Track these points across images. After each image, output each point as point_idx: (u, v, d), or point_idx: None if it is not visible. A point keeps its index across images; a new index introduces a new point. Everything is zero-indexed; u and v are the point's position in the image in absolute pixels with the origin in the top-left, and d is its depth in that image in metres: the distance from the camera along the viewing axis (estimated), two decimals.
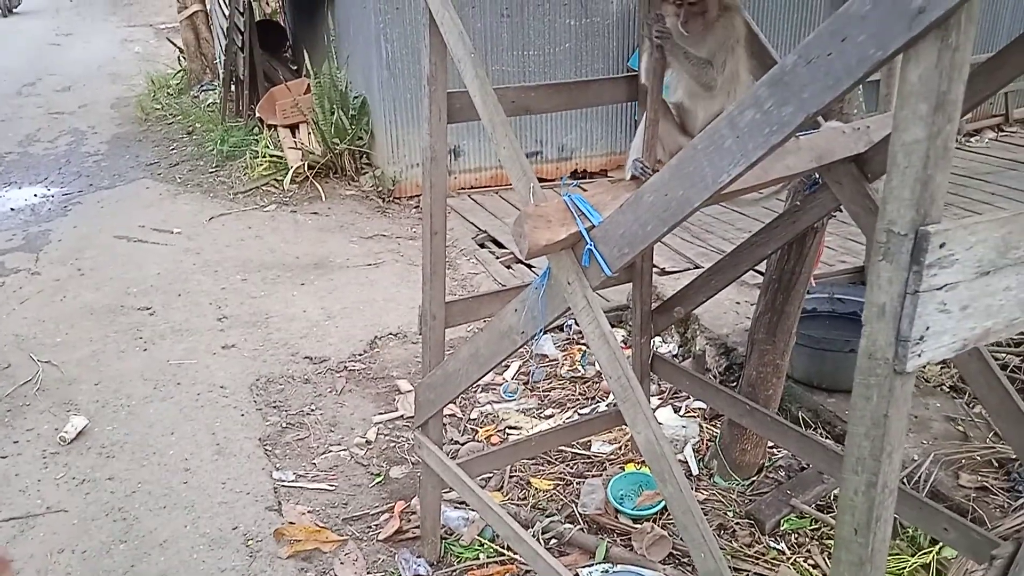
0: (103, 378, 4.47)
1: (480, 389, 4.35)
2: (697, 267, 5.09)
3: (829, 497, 3.33)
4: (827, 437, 3.54)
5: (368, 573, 3.16)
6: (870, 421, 1.47)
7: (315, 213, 7.18)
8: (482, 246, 6.30)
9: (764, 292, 3.33)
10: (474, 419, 4.15)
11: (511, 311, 2.43)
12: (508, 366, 4.53)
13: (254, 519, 3.42)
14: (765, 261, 3.28)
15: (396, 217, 7.11)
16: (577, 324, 4.66)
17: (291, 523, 3.39)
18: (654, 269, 3.85)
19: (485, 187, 7.50)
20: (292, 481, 3.67)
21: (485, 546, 3.25)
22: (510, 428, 4.05)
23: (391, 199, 7.37)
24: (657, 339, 4.50)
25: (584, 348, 4.63)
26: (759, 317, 3.35)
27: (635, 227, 1.93)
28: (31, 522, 3.38)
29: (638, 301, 3.47)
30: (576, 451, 3.83)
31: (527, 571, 3.12)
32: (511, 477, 3.67)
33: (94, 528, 3.35)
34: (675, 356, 4.48)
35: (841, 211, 2.85)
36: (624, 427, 3.82)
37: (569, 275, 2.13)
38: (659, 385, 4.24)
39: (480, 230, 6.51)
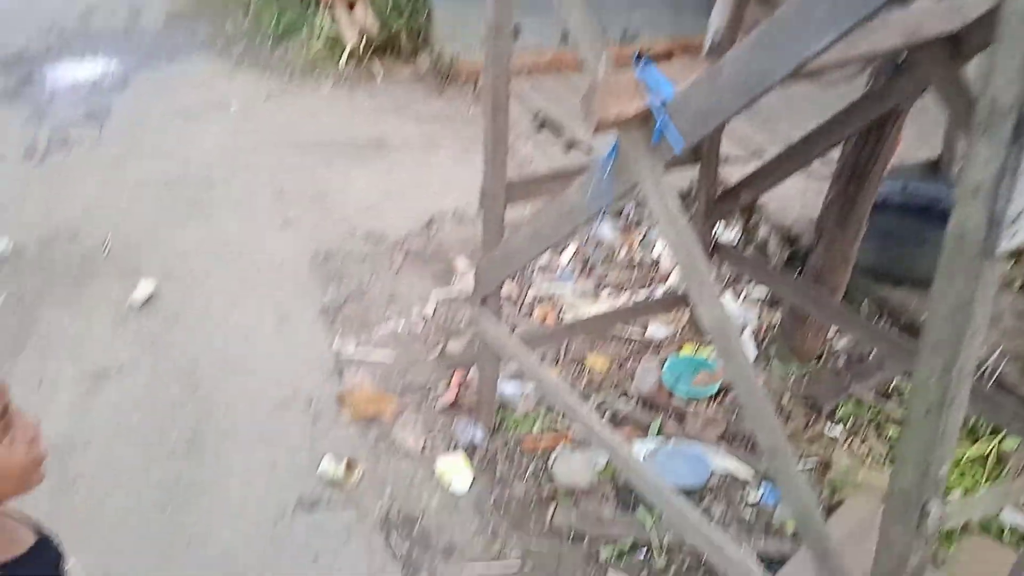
0: (167, 248, 4.58)
1: (537, 271, 4.36)
2: (764, 155, 4.95)
3: (889, 385, 3.32)
4: (892, 327, 3.50)
5: (426, 438, 3.27)
6: (953, 304, 1.44)
7: (371, 93, 7.10)
8: (540, 129, 6.19)
9: (836, 179, 3.23)
10: (530, 299, 4.18)
11: (575, 189, 2.40)
12: (565, 249, 4.52)
13: (316, 385, 3.54)
14: (840, 147, 3.17)
15: (453, 99, 6.99)
16: (638, 208, 4.62)
17: (352, 390, 3.50)
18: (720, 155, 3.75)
19: (545, 69, 7.29)
20: (352, 351, 3.77)
21: (540, 417, 3.33)
22: (566, 309, 4.07)
23: (448, 80, 7.23)
24: (719, 226, 4.43)
25: (643, 233, 4.59)
26: (829, 205, 3.26)
27: (711, 101, 1.87)
28: (105, 380, 3.55)
29: (703, 185, 3.39)
30: (632, 334, 3.85)
31: (580, 442, 3.20)
32: (566, 356, 3.72)
33: (163, 387, 3.51)
34: (736, 244, 4.42)
35: (922, 98, 2.72)
36: (682, 311, 3.82)
37: (638, 151, 2.08)
38: (719, 272, 4.21)
39: (539, 114, 6.38)
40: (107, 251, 4.53)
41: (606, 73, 2.06)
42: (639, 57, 2.02)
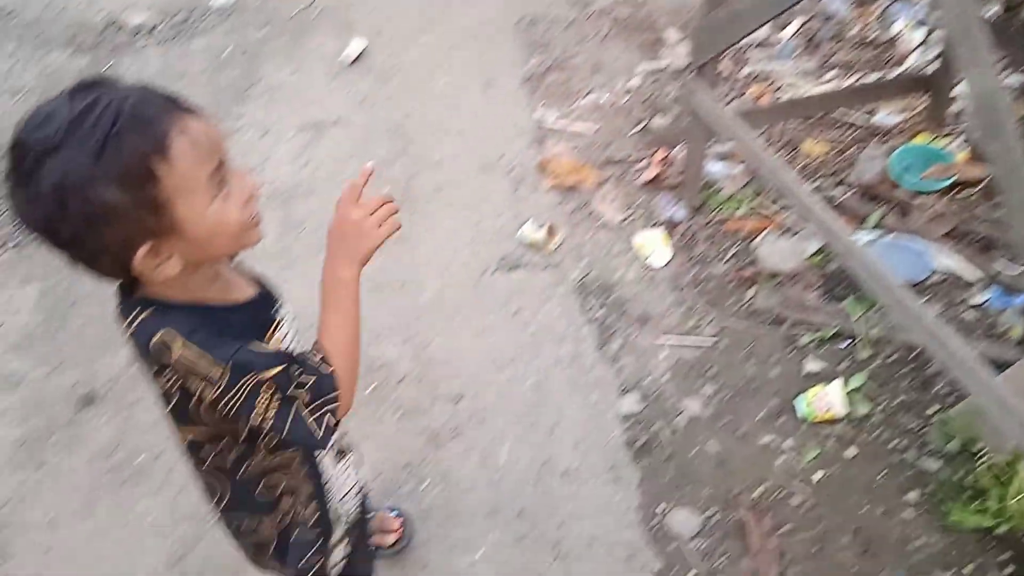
0: (376, 7, 4.55)
1: (754, 45, 4.02)
2: None
3: None
4: None
5: (625, 211, 3.24)
6: None
7: None
8: None
9: None
10: (744, 77, 3.89)
11: None
12: (788, 23, 4.11)
13: (518, 151, 3.54)
14: None
15: None
16: None
17: (552, 159, 3.48)
18: None
19: None
20: (554, 120, 3.71)
21: (745, 200, 3.19)
22: (784, 89, 3.76)
23: None
24: None
25: (881, 8, 4.08)
26: None
27: None
28: (322, 131, 3.71)
29: None
30: (856, 119, 3.52)
31: (786, 230, 3.06)
32: (780, 139, 3.48)
33: (376, 142, 3.63)
34: (995, 20, 3.84)
35: None
36: (918, 96, 3.43)
37: None
38: None
39: None
40: (320, 8, 4.58)
41: None
42: None
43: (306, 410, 1.13)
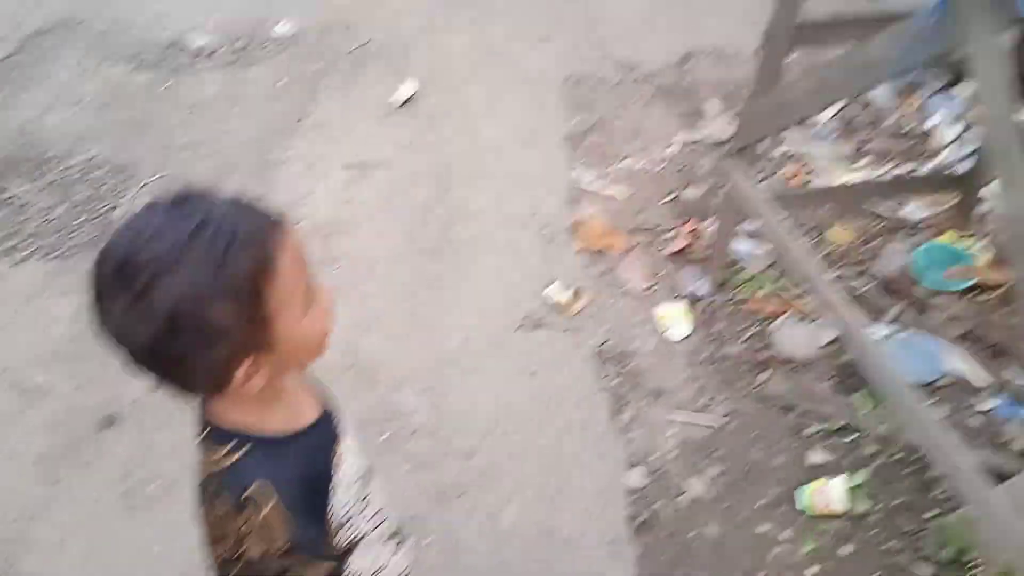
0: (431, 51, 4.70)
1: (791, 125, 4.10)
2: None
3: None
4: None
5: (650, 281, 3.32)
6: None
7: None
8: None
9: None
10: (777, 157, 3.97)
11: (884, 40, 2.16)
12: (829, 105, 4.19)
13: (552, 209, 3.65)
14: None
15: None
16: (926, 70, 4.16)
17: (585, 220, 3.58)
18: None
19: None
20: (590, 181, 3.82)
21: (769, 282, 3.27)
22: (817, 172, 3.85)
23: None
24: None
25: (922, 99, 4.15)
26: None
27: None
28: (366, 170, 3.84)
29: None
30: (885, 210, 3.59)
31: (804, 316, 3.13)
32: (803, 224, 3.55)
33: (417, 187, 3.75)
34: None
35: None
36: (948, 193, 3.49)
37: (974, 4, 1.83)
38: None
39: None
40: (378, 44, 4.73)
41: None
42: None
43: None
